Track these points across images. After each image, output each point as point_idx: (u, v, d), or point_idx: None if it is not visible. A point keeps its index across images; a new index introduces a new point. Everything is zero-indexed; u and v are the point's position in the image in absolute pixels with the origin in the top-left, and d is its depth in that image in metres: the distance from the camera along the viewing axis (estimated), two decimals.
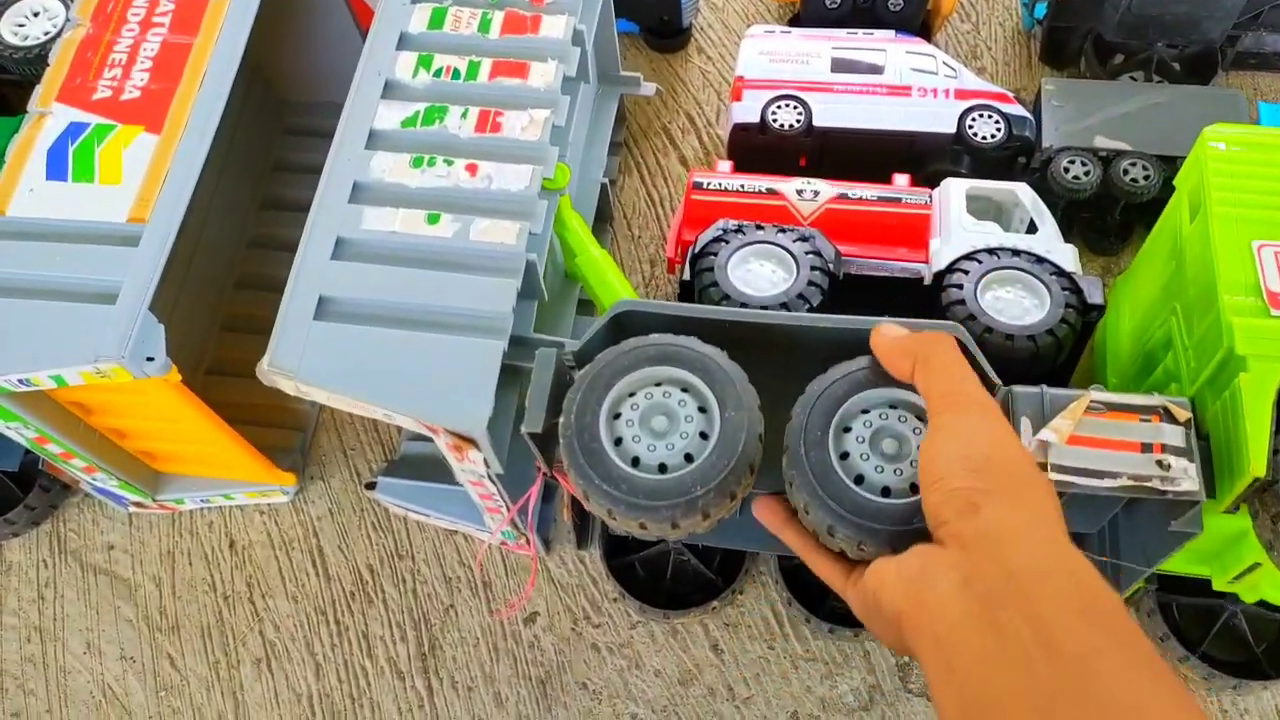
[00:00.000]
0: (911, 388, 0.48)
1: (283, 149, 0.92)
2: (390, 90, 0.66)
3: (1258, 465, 0.49)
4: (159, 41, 0.67)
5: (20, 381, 0.58)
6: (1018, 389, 0.52)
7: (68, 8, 0.81)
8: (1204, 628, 0.67)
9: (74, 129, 0.65)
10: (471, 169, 0.63)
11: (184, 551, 0.79)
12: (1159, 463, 0.49)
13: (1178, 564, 0.61)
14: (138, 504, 0.78)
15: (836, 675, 0.71)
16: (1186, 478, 0.49)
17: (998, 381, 0.52)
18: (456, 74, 0.66)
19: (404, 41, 0.67)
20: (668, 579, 0.74)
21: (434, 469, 0.73)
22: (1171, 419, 0.50)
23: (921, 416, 0.49)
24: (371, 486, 0.74)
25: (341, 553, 0.78)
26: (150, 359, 0.58)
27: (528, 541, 0.72)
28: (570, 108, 0.68)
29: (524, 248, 0.60)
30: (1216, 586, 0.60)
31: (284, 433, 0.80)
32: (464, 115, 0.64)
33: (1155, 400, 0.51)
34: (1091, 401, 0.51)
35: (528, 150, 0.63)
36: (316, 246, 0.61)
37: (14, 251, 0.61)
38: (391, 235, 0.61)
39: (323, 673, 0.74)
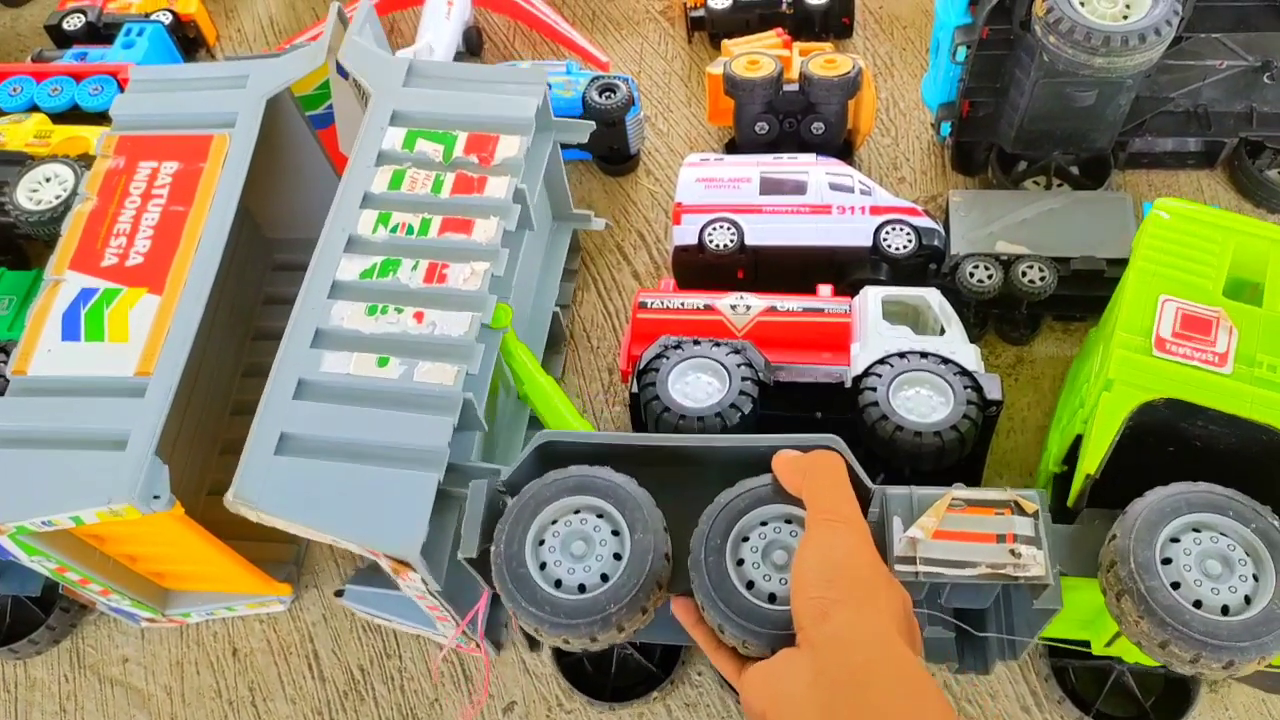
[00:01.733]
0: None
1: (271, 283, 1.01)
2: (352, 245, 0.75)
3: (1090, 464, 0.60)
4: (159, 211, 0.77)
5: (43, 523, 0.66)
6: (890, 490, 0.60)
7: (77, 175, 0.91)
8: (1098, 687, 0.75)
9: (85, 294, 0.74)
10: (419, 316, 0.71)
11: (192, 661, 0.86)
12: (1011, 551, 0.57)
13: (1062, 631, 0.68)
14: (149, 619, 0.85)
15: None
16: (1035, 564, 0.56)
17: (871, 485, 0.59)
18: (410, 229, 0.75)
19: (367, 200, 0.77)
20: (613, 673, 0.81)
21: None
22: (1021, 511, 0.58)
23: None
24: (340, 594, 0.81)
25: (334, 655, 0.85)
26: (157, 497, 0.66)
27: (478, 646, 0.79)
28: (513, 256, 0.77)
29: (461, 388, 0.69)
30: (1095, 650, 0.68)
31: (279, 546, 0.88)
32: (414, 267, 0.73)
33: (1007, 495, 0.59)
34: (953, 499, 0.59)
35: (468, 299, 0.72)
36: (280, 387, 0.69)
37: (35, 407, 0.69)
38: (346, 377, 0.70)
39: None
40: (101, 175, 0.79)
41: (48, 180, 0.93)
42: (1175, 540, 0.58)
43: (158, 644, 0.87)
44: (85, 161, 0.92)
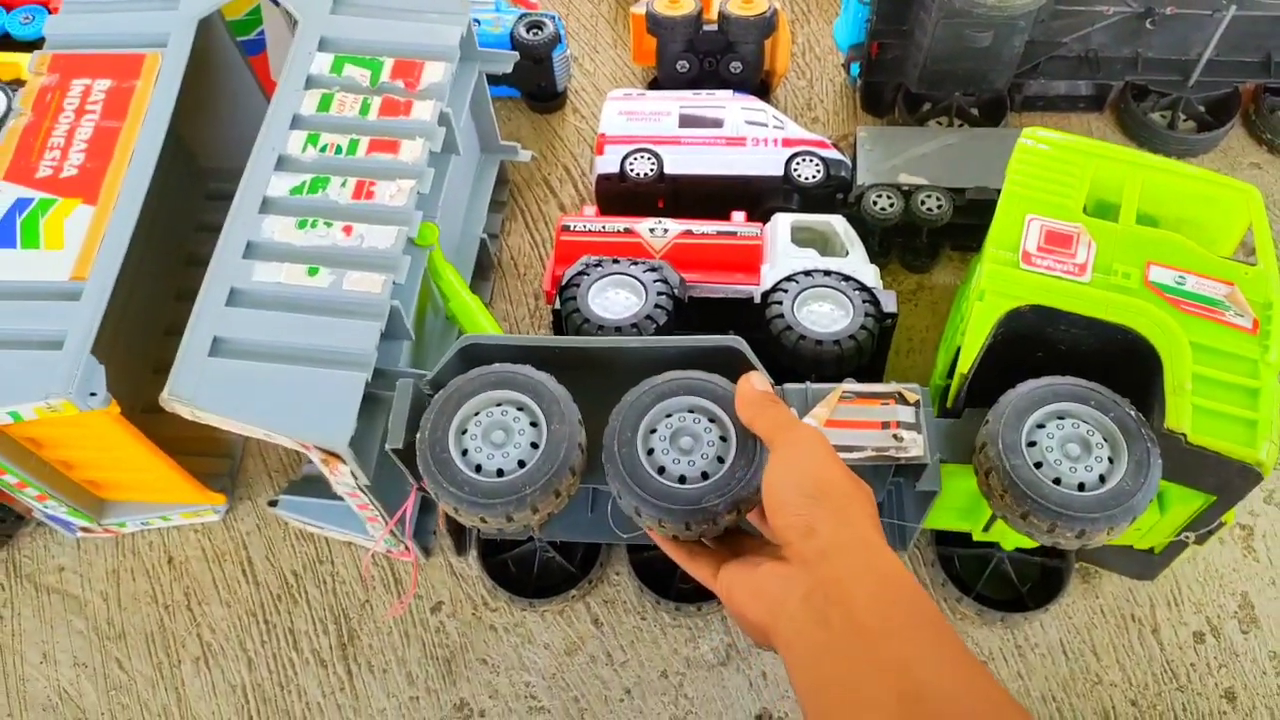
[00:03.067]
0: (710, 397, 0.61)
1: (204, 211, 1.03)
2: (282, 163, 0.78)
3: (964, 365, 0.66)
4: (92, 127, 0.79)
5: None
6: (789, 386, 0.65)
7: (8, 98, 0.93)
8: (979, 573, 0.82)
9: (20, 203, 0.76)
10: (347, 230, 0.75)
11: (128, 569, 0.89)
12: (894, 436, 0.63)
13: (945, 520, 0.75)
14: (85, 529, 0.88)
15: (698, 638, 0.84)
16: (915, 445, 0.63)
17: (773, 382, 0.65)
18: (339, 150, 0.78)
19: (296, 122, 0.80)
20: (535, 573, 0.86)
21: (330, 488, 0.84)
22: (904, 401, 0.64)
23: (713, 419, 0.62)
24: (274, 504, 0.85)
25: (269, 561, 0.89)
26: (93, 394, 0.69)
27: (407, 549, 0.84)
28: (439, 178, 0.80)
29: (388, 296, 0.73)
30: (975, 537, 0.74)
31: (214, 460, 0.91)
32: (343, 185, 0.77)
33: (892, 388, 0.65)
34: (844, 392, 0.64)
35: (395, 214, 0.76)
36: (213, 295, 0.72)
37: None
38: (277, 286, 0.73)
39: (254, 666, 0.84)
40: (35, 91, 0.81)
41: None
42: (1041, 426, 0.65)
43: (94, 553, 0.90)
44: (16, 86, 0.94)
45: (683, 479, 0.60)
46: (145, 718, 0.83)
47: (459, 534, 0.79)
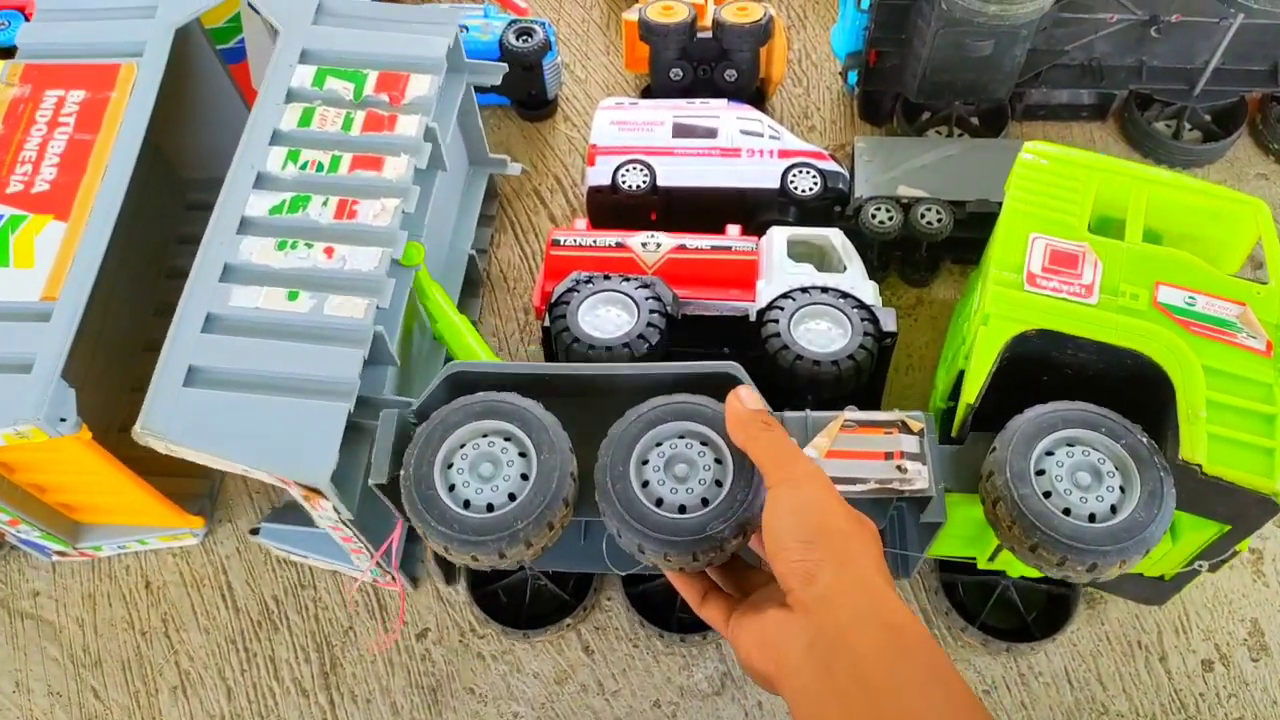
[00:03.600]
0: (700, 420, 0.58)
1: (184, 222, 1.01)
2: (261, 181, 0.75)
3: (970, 394, 0.64)
4: (65, 140, 0.76)
5: None
6: (787, 414, 0.63)
7: None
8: (983, 601, 0.79)
9: None
10: (329, 251, 0.72)
11: (104, 594, 0.86)
12: (898, 467, 0.60)
13: (950, 548, 0.72)
14: (60, 553, 0.85)
15: (692, 666, 0.81)
16: (920, 478, 0.60)
17: (770, 411, 0.62)
18: (320, 167, 0.76)
19: (276, 138, 0.77)
20: (527, 602, 0.84)
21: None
22: (908, 430, 0.61)
23: (705, 441, 0.59)
24: (255, 532, 0.82)
25: (249, 586, 0.86)
26: (63, 420, 0.66)
27: (394, 579, 0.81)
28: (425, 195, 0.78)
29: (371, 321, 0.70)
30: (980, 565, 0.72)
31: (192, 481, 0.88)
32: (325, 204, 0.74)
33: (895, 416, 0.62)
34: (845, 420, 0.62)
35: (379, 234, 0.73)
36: (188, 321, 0.70)
37: None
38: (255, 311, 0.70)
39: (234, 695, 0.82)
40: (6, 103, 0.78)
41: None
42: (1050, 454, 0.62)
43: (69, 577, 0.87)
44: None
45: (683, 509, 0.57)
46: None
47: (448, 565, 0.76)
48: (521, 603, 0.84)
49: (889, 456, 0.61)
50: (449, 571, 0.78)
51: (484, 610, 0.82)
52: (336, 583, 0.86)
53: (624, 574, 0.73)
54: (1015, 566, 0.75)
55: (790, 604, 0.49)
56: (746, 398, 0.57)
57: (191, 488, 0.88)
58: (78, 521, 0.85)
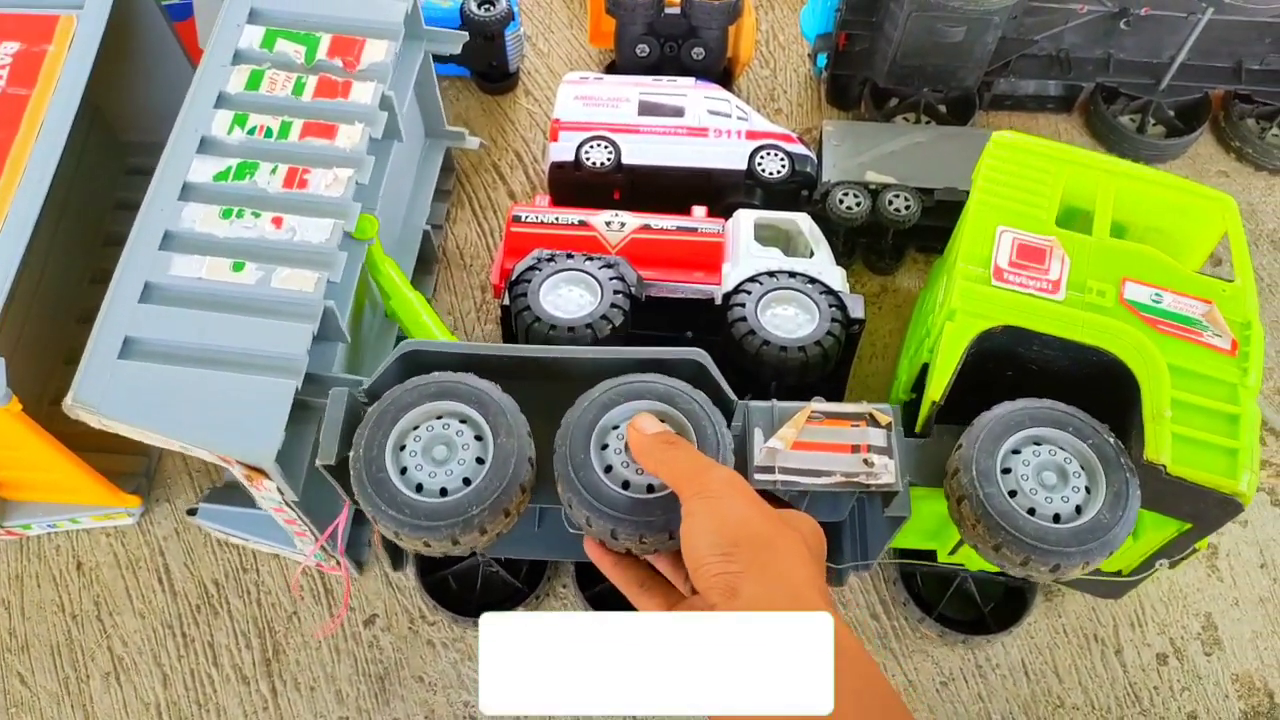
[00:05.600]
0: (654, 397, 0.57)
1: (124, 188, 0.96)
2: (205, 146, 0.72)
3: (935, 392, 0.62)
4: None
5: None
6: (753, 404, 0.61)
7: None
8: (942, 592, 0.79)
9: None
10: (277, 221, 0.69)
11: (32, 575, 0.82)
12: (865, 461, 0.59)
13: (911, 540, 0.72)
14: None
15: None
16: (886, 472, 0.59)
17: (734, 399, 0.61)
18: (269, 133, 0.72)
19: (221, 100, 0.73)
20: (478, 590, 0.81)
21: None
22: (875, 423, 0.60)
23: (663, 418, 0.57)
24: (193, 513, 0.79)
25: (187, 569, 0.82)
26: None
27: (338, 564, 0.78)
28: (380, 166, 0.74)
29: (321, 295, 0.67)
30: (941, 559, 0.71)
31: (129, 458, 0.84)
32: (273, 171, 0.71)
33: (863, 408, 0.61)
34: (812, 412, 0.60)
35: (331, 205, 0.70)
36: (125, 290, 0.66)
37: None
38: (197, 281, 0.67)
39: (170, 682, 0.78)
40: None
41: None
42: (1016, 452, 0.61)
43: None
44: None
45: (650, 488, 0.56)
46: None
47: (395, 549, 0.73)
48: (473, 589, 0.81)
49: (856, 449, 0.60)
50: (396, 556, 0.75)
51: (433, 597, 0.80)
52: (280, 567, 0.83)
53: (578, 560, 0.71)
54: (975, 560, 0.74)
55: None
56: (646, 425, 0.55)
57: (127, 465, 0.84)
58: (5, 498, 0.81)
